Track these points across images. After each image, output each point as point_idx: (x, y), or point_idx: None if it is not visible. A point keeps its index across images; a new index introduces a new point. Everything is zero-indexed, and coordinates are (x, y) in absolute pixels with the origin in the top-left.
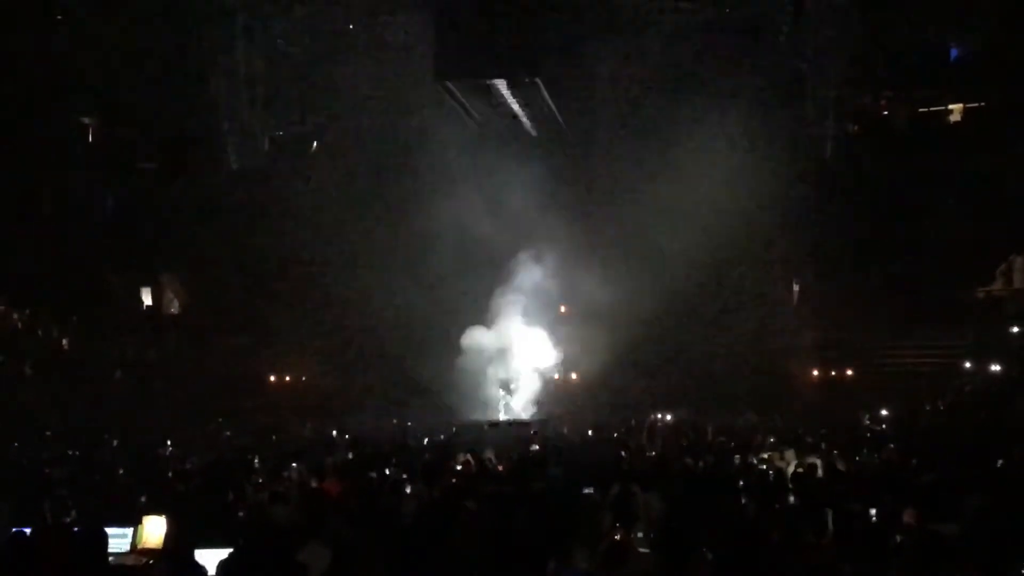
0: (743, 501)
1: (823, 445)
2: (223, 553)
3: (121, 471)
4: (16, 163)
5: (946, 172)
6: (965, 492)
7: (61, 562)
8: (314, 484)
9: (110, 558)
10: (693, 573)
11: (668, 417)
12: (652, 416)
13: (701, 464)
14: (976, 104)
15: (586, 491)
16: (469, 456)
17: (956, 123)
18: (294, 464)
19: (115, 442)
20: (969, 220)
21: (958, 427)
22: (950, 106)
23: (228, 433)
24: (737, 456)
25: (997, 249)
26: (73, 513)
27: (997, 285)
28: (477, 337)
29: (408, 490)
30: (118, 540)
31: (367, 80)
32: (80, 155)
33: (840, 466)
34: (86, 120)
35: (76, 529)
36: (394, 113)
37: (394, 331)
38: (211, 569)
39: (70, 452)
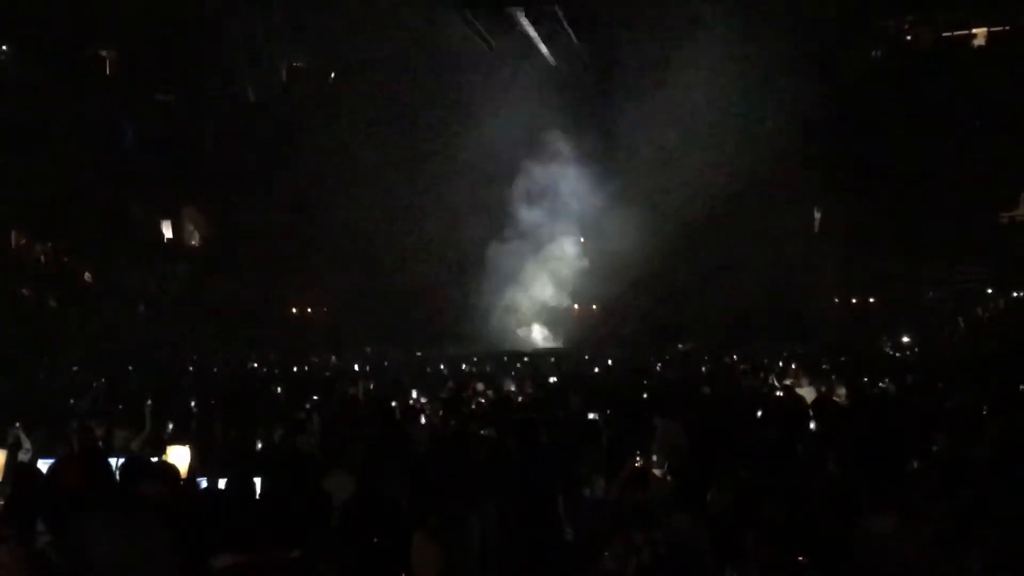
0: (764, 428)
1: (836, 376)
2: None
3: (149, 402)
4: (35, 95)
5: (970, 97)
6: (988, 417)
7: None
8: (336, 414)
9: None
10: (718, 498)
11: (689, 346)
12: (674, 346)
13: (721, 392)
14: (1000, 28)
15: (605, 419)
16: (484, 386)
17: (980, 47)
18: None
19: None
20: (992, 145)
21: (980, 353)
22: (974, 30)
23: (254, 364)
24: (757, 384)
25: (1020, 174)
26: (100, 443)
27: (1020, 210)
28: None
29: (425, 419)
30: None
31: (385, 9)
32: (98, 87)
33: (860, 393)
34: (103, 52)
35: (111, 458)
36: (412, 43)
37: (416, 262)
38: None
39: (94, 383)
